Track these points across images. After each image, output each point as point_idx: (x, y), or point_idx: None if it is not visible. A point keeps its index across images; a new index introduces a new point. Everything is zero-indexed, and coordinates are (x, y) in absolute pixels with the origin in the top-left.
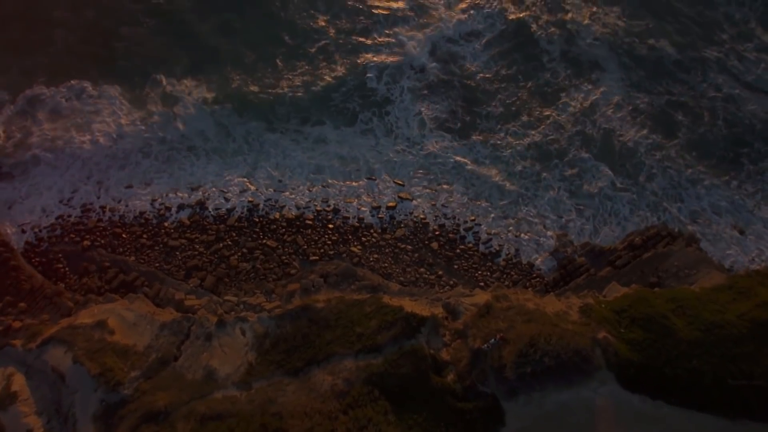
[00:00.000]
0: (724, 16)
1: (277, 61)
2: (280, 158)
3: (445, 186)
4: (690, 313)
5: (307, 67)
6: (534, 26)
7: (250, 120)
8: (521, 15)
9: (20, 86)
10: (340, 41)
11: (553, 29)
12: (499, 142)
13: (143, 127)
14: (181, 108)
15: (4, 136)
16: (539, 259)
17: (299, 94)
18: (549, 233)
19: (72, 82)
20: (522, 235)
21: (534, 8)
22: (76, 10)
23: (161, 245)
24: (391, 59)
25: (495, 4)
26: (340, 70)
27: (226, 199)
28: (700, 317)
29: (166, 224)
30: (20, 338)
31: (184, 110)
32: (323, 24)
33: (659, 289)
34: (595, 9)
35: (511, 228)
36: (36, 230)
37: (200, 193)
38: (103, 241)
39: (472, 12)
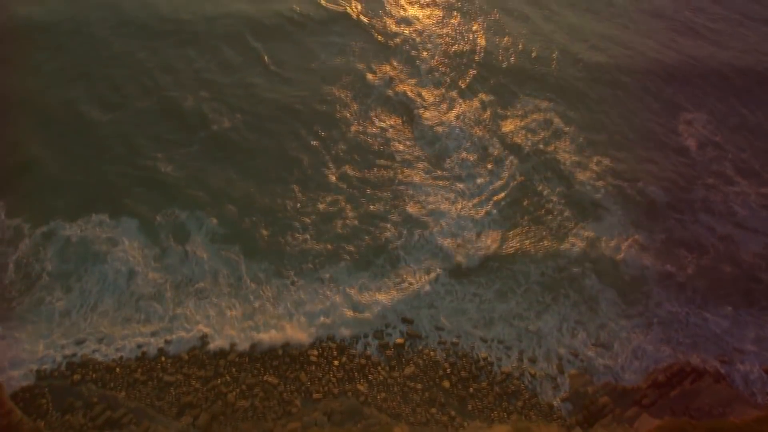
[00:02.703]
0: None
1: (288, 205)
2: (287, 302)
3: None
4: None
5: (319, 217)
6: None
7: (259, 262)
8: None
9: (38, 219)
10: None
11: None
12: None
13: (155, 266)
14: (191, 245)
15: (14, 273)
16: (558, 400)
17: (310, 242)
18: (566, 373)
19: (90, 215)
20: (538, 373)
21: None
22: (103, 146)
23: (155, 380)
24: (411, 209)
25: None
26: (352, 222)
27: (228, 336)
28: None
29: (163, 359)
30: None
31: (194, 248)
32: (334, 179)
33: (696, 421)
34: (583, 157)
35: (526, 367)
36: (28, 368)
37: (201, 328)
38: (94, 375)
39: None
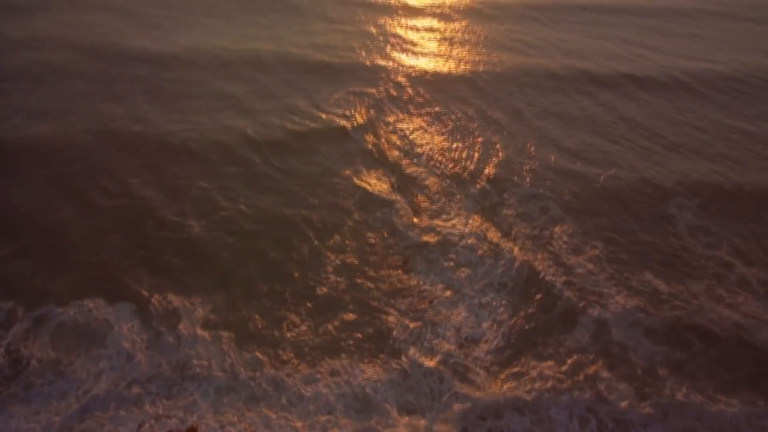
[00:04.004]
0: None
1: (287, 296)
2: (276, 397)
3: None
4: None
5: (316, 310)
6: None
7: (251, 352)
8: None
9: (32, 302)
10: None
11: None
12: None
13: (148, 353)
14: (184, 330)
15: (3, 358)
16: None
17: (305, 335)
18: None
19: (83, 300)
20: None
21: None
22: (100, 231)
23: None
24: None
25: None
26: (352, 313)
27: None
28: None
29: None
30: None
31: (188, 332)
32: (334, 267)
33: None
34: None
35: None
36: None
37: (193, 419)
38: None
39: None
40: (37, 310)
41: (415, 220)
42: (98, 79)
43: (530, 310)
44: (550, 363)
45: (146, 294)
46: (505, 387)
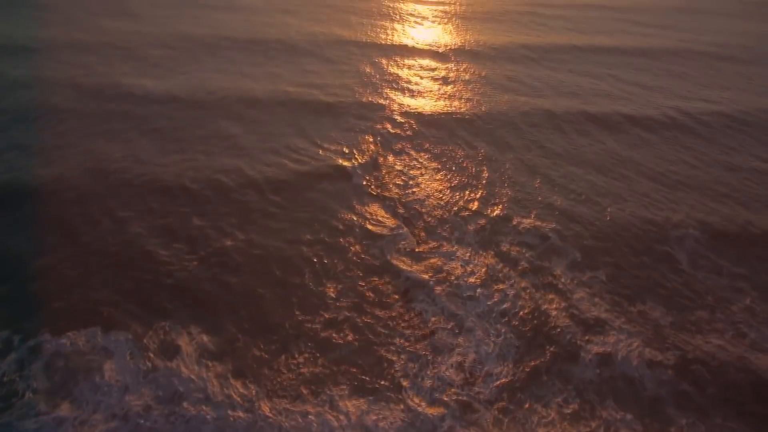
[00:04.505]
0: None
1: (284, 330)
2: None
3: None
4: None
5: (313, 344)
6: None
7: (248, 385)
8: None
9: (27, 332)
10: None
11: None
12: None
13: (145, 384)
14: (181, 362)
15: None
16: None
17: (302, 369)
18: None
19: (79, 331)
20: None
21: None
22: (95, 267)
23: None
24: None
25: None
26: (350, 350)
27: None
28: None
29: None
30: None
31: (185, 365)
32: (334, 300)
33: None
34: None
35: None
36: None
37: None
38: None
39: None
40: (32, 340)
41: (415, 252)
42: (95, 118)
43: (533, 343)
44: (556, 399)
45: (142, 326)
46: (508, 424)
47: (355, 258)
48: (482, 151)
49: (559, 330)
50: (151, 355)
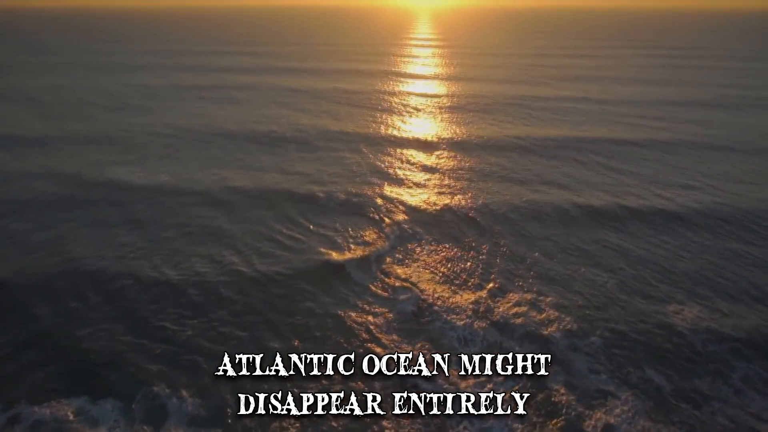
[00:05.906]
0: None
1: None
2: None
3: None
4: None
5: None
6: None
7: None
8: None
9: (10, 400)
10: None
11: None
12: None
13: None
14: (170, 428)
15: None
16: None
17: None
18: None
19: (61, 400)
20: None
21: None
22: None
23: None
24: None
25: None
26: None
27: None
28: None
29: None
30: None
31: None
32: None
33: None
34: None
35: None
36: None
37: None
38: None
39: None
40: (12, 410)
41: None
42: (83, 209)
43: (542, 415)
44: None
45: (131, 390)
46: None
47: (346, 362)
48: (476, 240)
49: (563, 400)
50: (140, 422)
